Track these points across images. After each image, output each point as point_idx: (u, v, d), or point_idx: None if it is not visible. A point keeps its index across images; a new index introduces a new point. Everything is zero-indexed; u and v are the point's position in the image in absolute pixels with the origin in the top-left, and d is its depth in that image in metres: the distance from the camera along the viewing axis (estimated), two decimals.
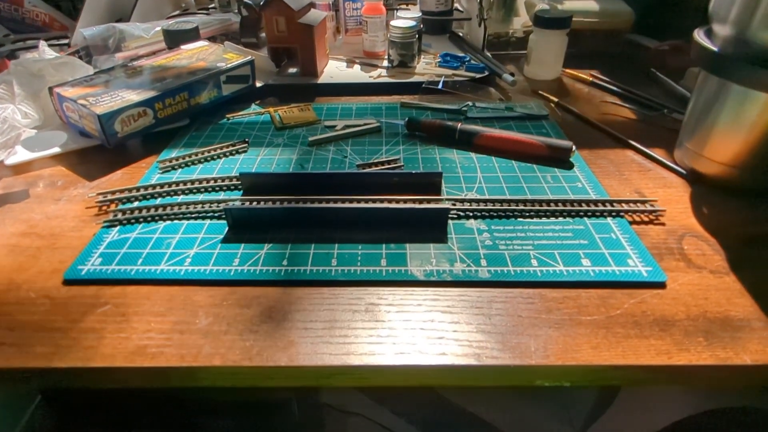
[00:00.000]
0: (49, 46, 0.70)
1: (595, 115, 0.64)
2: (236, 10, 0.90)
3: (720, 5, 0.45)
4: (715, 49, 0.45)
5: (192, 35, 0.72)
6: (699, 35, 0.48)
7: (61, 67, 0.62)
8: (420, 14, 0.79)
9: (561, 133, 0.59)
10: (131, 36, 0.75)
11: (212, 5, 1.04)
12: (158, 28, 0.76)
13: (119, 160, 0.55)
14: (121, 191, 0.48)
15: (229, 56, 0.67)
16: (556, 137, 0.58)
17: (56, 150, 0.56)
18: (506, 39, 0.90)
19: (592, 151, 0.56)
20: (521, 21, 0.94)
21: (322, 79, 0.73)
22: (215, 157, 0.55)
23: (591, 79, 0.74)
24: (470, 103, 0.64)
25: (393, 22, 0.74)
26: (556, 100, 0.67)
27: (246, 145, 0.56)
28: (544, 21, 0.71)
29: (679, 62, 0.76)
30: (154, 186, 0.49)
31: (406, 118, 0.58)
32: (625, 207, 0.45)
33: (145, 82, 0.59)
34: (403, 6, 1.02)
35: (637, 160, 0.54)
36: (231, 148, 0.56)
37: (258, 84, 0.70)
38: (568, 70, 0.77)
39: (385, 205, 0.44)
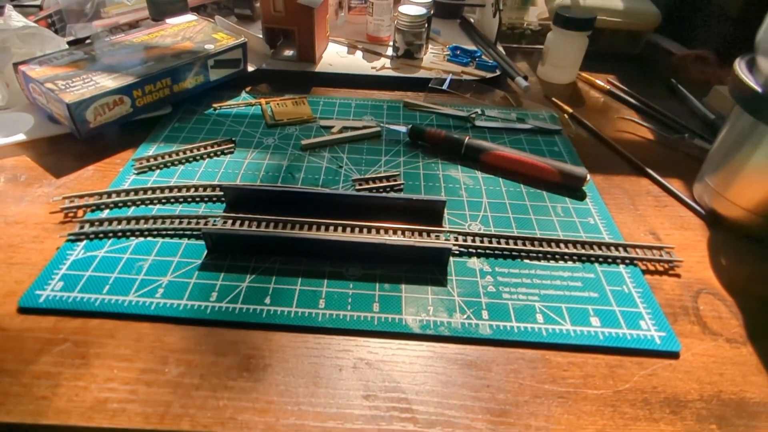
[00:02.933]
0: (18, 7, 0.63)
1: (611, 132, 0.60)
2: None
3: None
4: (757, 88, 0.40)
5: (179, 7, 0.66)
6: (740, 67, 0.43)
7: (29, 38, 0.55)
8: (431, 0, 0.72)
9: (573, 152, 0.54)
10: (111, 1, 0.68)
11: None
12: None
13: (91, 153, 0.50)
14: (90, 195, 0.43)
15: (219, 36, 0.61)
16: (569, 156, 0.54)
17: (21, 137, 0.50)
18: (521, 31, 0.84)
19: (606, 177, 0.52)
20: (537, 11, 0.88)
21: (321, 67, 0.67)
22: (197, 157, 0.50)
23: (608, 87, 0.69)
24: (479, 110, 0.59)
25: (401, 8, 0.67)
26: (570, 111, 0.63)
27: (232, 145, 0.51)
28: (564, 20, 0.66)
29: (702, 74, 0.71)
30: (127, 192, 0.44)
31: (409, 126, 0.54)
32: (640, 254, 0.41)
33: (124, 63, 0.53)
34: None
35: (653, 192, 0.50)
36: (216, 149, 0.51)
37: (250, 68, 0.64)
38: (583, 74, 0.72)
39: (382, 239, 0.40)
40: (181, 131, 0.54)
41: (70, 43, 0.66)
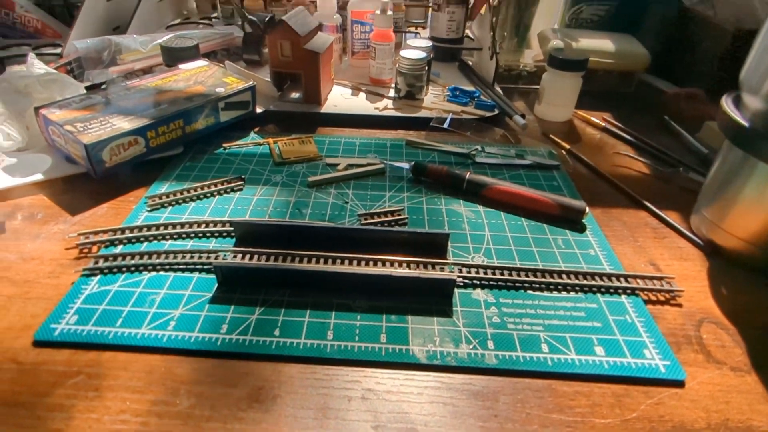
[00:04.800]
0: (40, 55, 0.66)
1: (608, 166, 0.62)
2: (239, 23, 0.87)
3: (753, 74, 0.43)
4: (744, 122, 0.42)
5: (191, 53, 0.69)
6: (727, 103, 0.45)
7: (50, 84, 0.58)
8: (431, 44, 0.76)
9: (572, 186, 0.56)
10: (127, 49, 0.72)
11: (215, 14, 1.01)
12: (156, 42, 0.73)
13: (105, 192, 0.52)
14: (105, 232, 0.45)
15: (230, 80, 0.64)
16: (568, 190, 0.55)
17: (39, 177, 0.52)
18: (517, 72, 0.87)
19: (605, 210, 0.53)
20: (533, 54, 0.92)
21: (326, 108, 0.70)
22: (208, 195, 0.51)
23: (603, 123, 0.72)
24: (479, 147, 0.61)
25: (402, 53, 0.71)
26: (567, 147, 0.65)
27: (242, 182, 0.53)
28: (558, 62, 0.69)
29: (694, 111, 0.74)
30: (140, 228, 0.45)
31: (412, 162, 0.56)
32: (641, 284, 0.42)
33: (139, 106, 0.55)
34: (413, 29, 0.99)
35: (652, 224, 0.51)
36: (226, 186, 0.52)
37: (258, 110, 0.67)
38: (579, 112, 0.75)
39: (388, 271, 0.41)
40: (192, 170, 0.56)
41: (87, 87, 0.69)
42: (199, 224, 0.46)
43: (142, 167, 0.55)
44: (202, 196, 0.51)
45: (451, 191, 0.54)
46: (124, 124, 0.52)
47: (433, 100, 0.74)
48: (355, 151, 0.62)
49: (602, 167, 0.61)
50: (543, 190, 0.55)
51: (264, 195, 0.52)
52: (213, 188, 0.52)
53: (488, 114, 0.70)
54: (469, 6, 0.86)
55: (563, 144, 0.66)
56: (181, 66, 0.66)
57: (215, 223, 0.46)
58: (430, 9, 0.89)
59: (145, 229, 0.45)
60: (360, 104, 0.72)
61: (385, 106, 0.71)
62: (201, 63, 0.68)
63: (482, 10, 0.87)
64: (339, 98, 0.74)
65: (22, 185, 0.51)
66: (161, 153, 0.56)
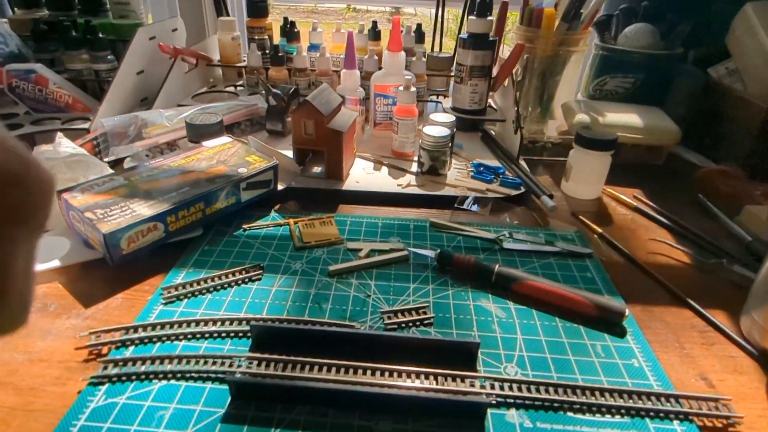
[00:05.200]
0: (68, 130, 0.67)
1: (643, 254, 0.58)
2: (263, 93, 0.88)
3: None
4: None
5: (215, 129, 0.69)
6: None
7: (75, 164, 0.58)
8: (453, 119, 0.75)
9: (607, 279, 0.53)
10: (153, 123, 0.73)
11: (240, 82, 1.03)
12: (181, 117, 0.73)
13: (121, 279, 0.50)
14: (117, 330, 0.43)
15: (252, 159, 0.63)
16: (603, 284, 0.52)
17: (56, 263, 0.51)
18: (541, 144, 0.86)
19: (645, 308, 0.50)
20: (556, 124, 0.91)
21: (348, 184, 0.69)
22: (225, 286, 0.49)
23: (635, 203, 0.69)
24: (506, 233, 0.59)
25: (425, 130, 0.70)
26: (599, 230, 0.62)
27: (260, 271, 0.51)
28: (586, 141, 0.67)
29: (730, 189, 0.71)
30: (153, 326, 0.43)
31: (437, 251, 0.53)
32: (694, 407, 0.38)
33: (161, 189, 0.55)
34: (434, 98, 0.99)
35: (698, 326, 0.48)
36: (244, 275, 0.50)
37: (280, 187, 0.66)
38: (608, 188, 0.73)
39: (413, 389, 0.38)
40: (210, 254, 0.54)
41: (112, 162, 0.70)
42: (214, 322, 0.44)
43: (159, 250, 0.54)
44: (219, 287, 0.49)
45: (479, 283, 0.51)
46: (145, 210, 0.51)
47: (457, 176, 0.72)
48: (377, 233, 0.60)
49: (637, 254, 0.58)
50: (576, 282, 0.52)
51: (283, 286, 0.50)
52: (231, 278, 0.50)
53: (514, 192, 0.68)
54: (492, 77, 0.86)
55: (594, 227, 0.63)
56: (205, 143, 0.66)
57: (231, 321, 0.44)
58: (453, 80, 0.89)
59: (159, 327, 0.43)
60: (382, 180, 0.71)
61: (408, 183, 0.70)
62: (224, 140, 0.68)
63: (505, 82, 0.87)
64: (361, 172, 0.73)
65: (38, 272, 0.50)
66: (180, 236, 0.55)
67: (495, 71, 0.86)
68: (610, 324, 0.46)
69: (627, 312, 0.46)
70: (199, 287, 0.49)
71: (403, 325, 0.45)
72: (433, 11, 1.13)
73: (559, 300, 0.48)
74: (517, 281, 0.49)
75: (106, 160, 0.70)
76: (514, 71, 0.84)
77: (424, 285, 0.51)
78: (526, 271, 0.52)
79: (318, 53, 0.90)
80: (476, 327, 0.46)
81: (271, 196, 0.65)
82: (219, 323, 0.44)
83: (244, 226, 0.60)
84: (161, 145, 0.74)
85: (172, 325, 0.44)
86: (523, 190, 0.69)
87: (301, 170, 0.71)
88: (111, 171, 0.62)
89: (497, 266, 0.51)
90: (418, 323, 0.46)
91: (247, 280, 0.50)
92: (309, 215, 0.62)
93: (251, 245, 0.56)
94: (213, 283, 0.49)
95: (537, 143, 0.86)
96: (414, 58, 0.93)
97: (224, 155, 0.64)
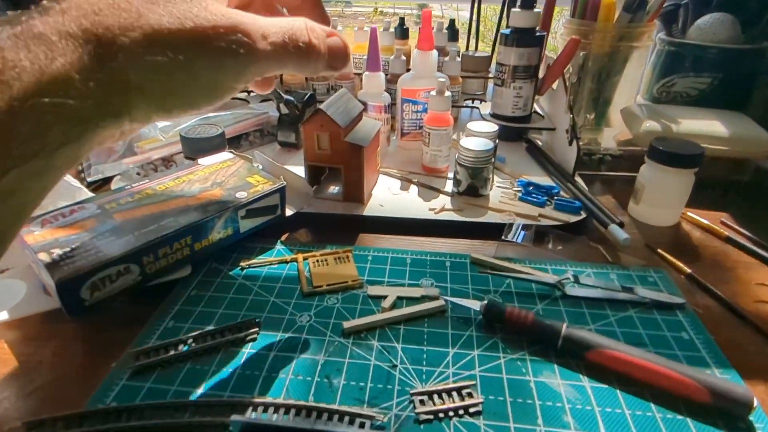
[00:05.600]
0: None
1: (750, 303, 0.45)
2: (275, 102, 0.77)
3: None
4: None
5: (215, 144, 0.59)
6: None
7: None
8: (497, 128, 0.63)
9: (711, 341, 0.40)
10: (146, 136, 0.63)
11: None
12: (178, 129, 0.63)
13: (83, 338, 0.40)
14: (59, 419, 0.32)
15: (255, 180, 0.52)
16: (706, 348, 0.39)
17: (3, 317, 0.41)
18: (598, 157, 0.73)
19: None
20: (614, 133, 0.78)
21: (370, 208, 0.57)
22: (210, 349, 0.38)
23: (725, 232, 0.55)
24: (569, 274, 0.46)
25: (463, 143, 0.58)
26: (687, 270, 0.49)
27: (256, 329, 0.40)
28: (664, 156, 0.54)
29: None
30: (105, 416, 0.32)
31: (484, 302, 0.41)
32: None
33: (139, 221, 0.44)
34: (469, 101, 0.87)
35: None
36: (235, 335, 0.39)
37: (288, 212, 0.55)
38: (688, 212, 0.59)
39: None
40: (197, 302, 0.44)
41: (96, 182, 0.60)
42: (186, 407, 0.33)
43: (136, 297, 0.43)
44: (201, 352, 0.38)
45: (541, 348, 0.39)
46: (115, 249, 0.41)
47: (501, 198, 0.60)
48: (405, 272, 0.48)
49: (743, 303, 0.44)
50: (669, 347, 0.39)
51: (284, 350, 0.39)
52: (218, 338, 0.39)
53: (574, 219, 0.55)
54: (539, 79, 0.73)
55: (680, 265, 0.50)
56: (201, 161, 0.56)
57: (210, 407, 0.33)
58: (492, 82, 0.77)
59: (113, 418, 0.32)
60: (411, 202, 0.59)
61: (443, 207, 0.58)
62: (224, 156, 0.57)
63: (554, 85, 0.75)
64: (385, 193, 0.61)
65: None
66: (162, 278, 0.45)
67: (541, 72, 0.74)
68: (730, 417, 0.33)
69: (755, 402, 0.33)
70: (175, 353, 0.38)
71: (441, 414, 0.33)
72: (461, 13, 1.01)
73: (653, 378, 0.35)
74: (593, 349, 0.37)
75: (90, 179, 0.61)
76: (565, 72, 0.71)
77: (467, 350, 0.39)
78: (600, 332, 0.40)
79: None
80: (541, 417, 0.33)
81: (279, 223, 0.54)
82: (194, 411, 0.33)
83: (243, 264, 0.49)
84: (155, 161, 0.64)
85: (130, 414, 0.33)
86: (584, 215, 0.56)
87: (314, 191, 0.60)
88: (90, 195, 0.52)
89: (565, 327, 0.38)
90: (461, 412, 0.34)
91: (238, 341, 0.39)
92: (322, 248, 0.51)
93: (249, 290, 0.46)
94: (195, 347, 0.38)
95: (593, 155, 0.73)
96: (447, 58, 0.81)
97: (222, 175, 0.53)
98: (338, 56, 0.30)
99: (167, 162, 0.65)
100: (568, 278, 0.46)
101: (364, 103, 0.67)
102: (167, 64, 0.23)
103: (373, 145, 0.59)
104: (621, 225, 0.53)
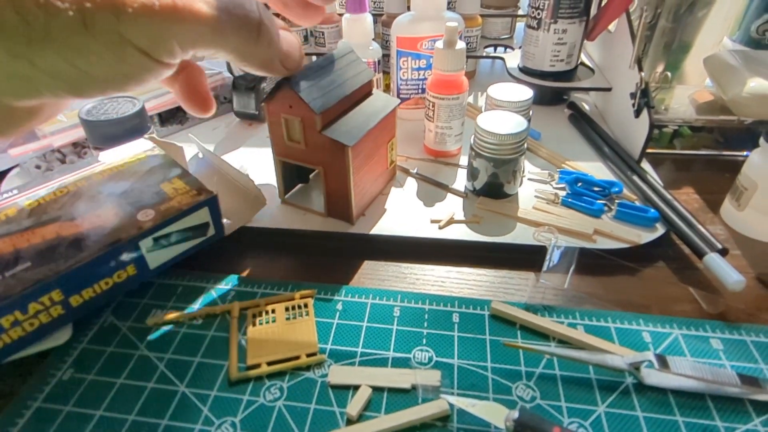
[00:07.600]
0: None
1: None
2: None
3: None
4: None
5: (128, 126, 0.42)
6: None
7: None
8: (531, 94, 0.44)
9: None
10: None
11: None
12: (86, 106, 0.46)
13: None
14: None
15: (172, 188, 0.35)
16: None
17: None
18: (672, 129, 0.53)
19: None
20: (689, 92, 0.57)
21: (360, 226, 0.40)
22: None
23: None
24: (650, 358, 0.29)
25: (481, 121, 0.40)
26: None
27: None
28: None
29: None
30: None
31: (514, 416, 0.25)
32: None
33: None
34: (491, 48, 0.67)
35: None
36: None
37: (234, 227, 0.38)
38: None
39: None
40: (68, 396, 0.28)
41: None
42: None
43: None
44: None
45: None
46: None
47: (536, 203, 0.42)
48: (390, 335, 0.32)
49: None
50: None
51: None
52: None
53: (646, 237, 0.37)
54: (590, 19, 0.53)
55: None
56: (102, 155, 0.39)
57: None
58: (525, 23, 0.56)
59: None
60: (405, 208, 0.42)
61: (450, 218, 0.40)
62: (139, 147, 0.40)
63: (611, 26, 0.54)
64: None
65: None
66: (20, 352, 0.30)
67: (594, 8, 0.53)
68: None
69: None
70: None
71: None
72: None
73: None
74: None
75: None
76: (630, 6, 0.50)
77: None
78: None
79: None
80: None
81: (216, 245, 0.37)
82: None
83: (149, 321, 0.33)
84: (62, 147, 0.47)
85: None
86: (661, 230, 0.38)
87: (283, 198, 0.43)
88: None
89: None
90: None
91: None
92: (273, 287, 0.35)
93: (151, 369, 0.30)
94: None
95: (662, 127, 0.53)
96: None
97: (128, 178, 0.36)
98: (291, 50, 0.28)
99: (79, 150, 0.48)
100: (648, 360, 0.29)
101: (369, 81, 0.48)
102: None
103: (376, 140, 0.40)
104: (724, 252, 0.35)
